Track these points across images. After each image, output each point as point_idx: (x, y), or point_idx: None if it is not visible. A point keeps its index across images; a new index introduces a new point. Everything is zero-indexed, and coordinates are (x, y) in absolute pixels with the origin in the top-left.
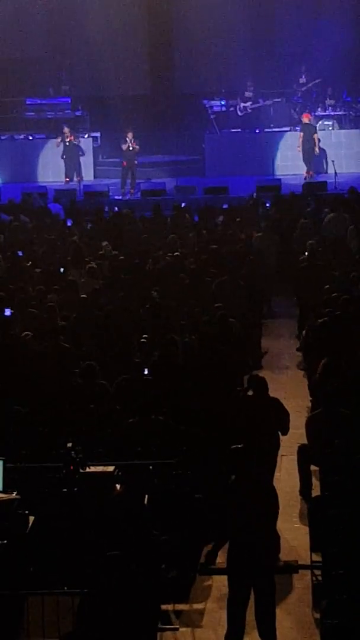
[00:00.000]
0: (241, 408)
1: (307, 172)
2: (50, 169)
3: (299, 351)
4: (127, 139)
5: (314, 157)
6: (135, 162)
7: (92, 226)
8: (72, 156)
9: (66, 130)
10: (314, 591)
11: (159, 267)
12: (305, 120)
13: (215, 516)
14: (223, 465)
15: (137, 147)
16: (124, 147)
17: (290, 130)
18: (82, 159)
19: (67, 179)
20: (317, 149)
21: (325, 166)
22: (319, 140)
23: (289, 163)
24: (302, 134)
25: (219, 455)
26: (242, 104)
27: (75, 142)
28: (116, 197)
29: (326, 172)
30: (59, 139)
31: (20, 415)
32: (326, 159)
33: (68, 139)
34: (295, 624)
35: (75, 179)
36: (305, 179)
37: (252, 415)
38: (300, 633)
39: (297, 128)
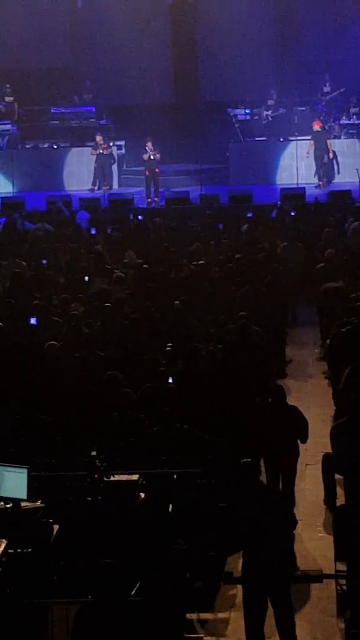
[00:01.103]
0: (260, 417)
1: (319, 181)
2: (75, 177)
3: (322, 360)
4: (147, 148)
5: (324, 165)
6: (157, 170)
7: (116, 234)
8: (103, 165)
9: (99, 138)
10: (339, 601)
11: (183, 276)
12: (315, 128)
13: (239, 525)
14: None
15: (158, 155)
16: (145, 156)
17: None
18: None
19: (93, 187)
20: (329, 156)
21: (335, 174)
22: (332, 148)
23: (313, 171)
24: (312, 142)
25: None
26: (265, 112)
27: (107, 152)
28: (141, 206)
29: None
30: (95, 150)
31: (45, 424)
32: (338, 167)
33: (102, 148)
34: (320, 633)
35: (103, 187)
36: (316, 187)
37: (270, 424)
38: None
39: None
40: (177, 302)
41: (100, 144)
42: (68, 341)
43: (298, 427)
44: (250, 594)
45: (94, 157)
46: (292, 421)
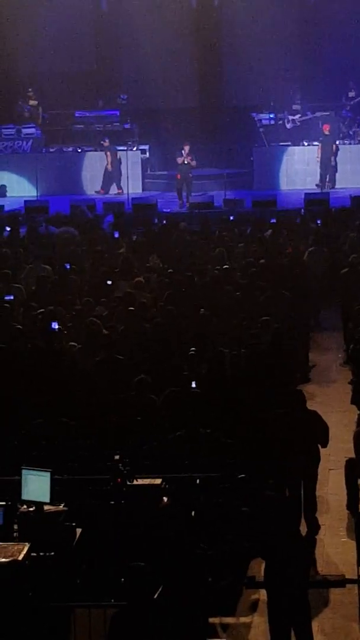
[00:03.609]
0: (280, 422)
1: (320, 182)
2: (98, 182)
3: (345, 364)
4: (183, 152)
5: (332, 168)
6: (190, 175)
7: (139, 239)
8: (112, 168)
9: (106, 142)
10: None
11: (207, 281)
12: (325, 131)
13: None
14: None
15: (194, 162)
16: (179, 160)
17: (339, 144)
18: (130, 171)
19: (102, 191)
20: (335, 159)
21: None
22: (337, 151)
23: (337, 177)
24: (320, 145)
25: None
26: (291, 117)
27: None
28: (165, 210)
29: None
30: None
31: (68, 428)
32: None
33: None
34: (341, 638)
35: (116, 190)
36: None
37: (290, 429)
38: None
39: (346, 141)
40: (202, 309)
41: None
42: (88, 345)
43: (318, 432)
44: (274, 598)
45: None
46: (312, 426)
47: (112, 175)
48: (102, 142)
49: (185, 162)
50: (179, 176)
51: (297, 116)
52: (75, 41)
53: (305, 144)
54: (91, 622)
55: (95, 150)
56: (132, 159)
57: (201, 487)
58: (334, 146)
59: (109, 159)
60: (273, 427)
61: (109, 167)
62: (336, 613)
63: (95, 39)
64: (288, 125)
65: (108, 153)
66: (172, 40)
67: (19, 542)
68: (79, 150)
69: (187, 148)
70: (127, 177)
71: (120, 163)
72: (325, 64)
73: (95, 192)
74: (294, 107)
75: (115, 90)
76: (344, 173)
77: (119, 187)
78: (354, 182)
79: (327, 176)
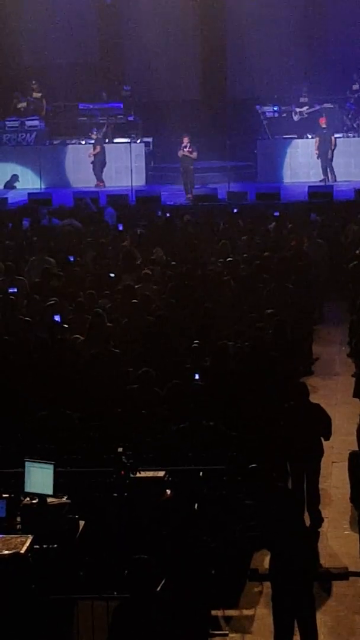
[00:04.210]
0: (282, 415)
1: (324, 175)
2: (102, 174)
3: (349, 357)
4: (182, 145)
5: (330, 161)
6: (191, 167)
7: (143, 231)
8: (97, 161)
9: (94, 135)
10: None
11: (211, 273)
12: (322, 125)
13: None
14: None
15: (194, 154)
16: (180, 153)
17: (343, 137)
18: (134, 164)
19: (101, 184)
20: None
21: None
22: (335, 145)
23: (341, 169)
24: (317, 138)
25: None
26: (298, 109)
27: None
28: (168, 203)
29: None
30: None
31: (71, 420)
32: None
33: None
34: (345, 631)
35: (99, 183)
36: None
37: (293, 422)
38: None
39: (350, 134)
40: (206, 302)
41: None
42: (91, 337)
43: (321, 425)
44: (278, 590)
45: (121, 153)
46: (315, 419)
47: (95, 168)
48: (90, 134)
49: (185, 154)
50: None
51: (304, 108)
52: (79, 33)
53: (310, 136)
54: (94, 614)
55: (98, 143)
56: (135, 152)
57: (204, 479)
58: (333, 139)
59: (95, 151)
60: (276, 419)
61: (91, 158)
62: (340, 606)
63: (99, 30)
64: (295, 118)
65: (97, 147)
66: (176, 32)
67: (22, 534)
68: (83, 142)
69: (186, 140)
70: (131, 170)
71: (104, 156)
72: (330, 56)
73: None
74: (301, 99)
75: (119, 82)
76: (349, 166)
77: (100, 180)
78: (359, 176)
79: (328, 169)
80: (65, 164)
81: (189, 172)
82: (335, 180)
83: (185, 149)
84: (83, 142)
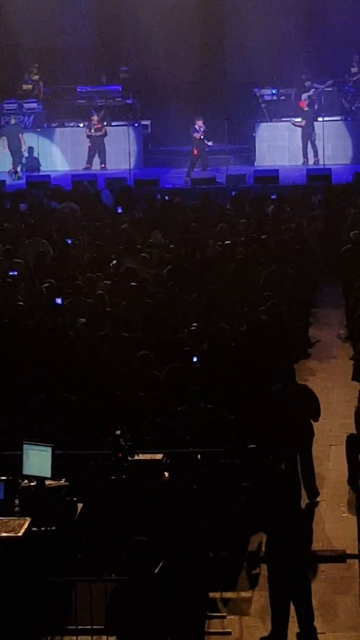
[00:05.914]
0: (271, 397)
1: (304, 158)
2: (100, 157)
3: (347, 340)
4: (197, 127)
5: (312, 143)
6: (206, 149)
7: (141, 215)
8: (97, 145)
9: (95, 119)
10: None
11: (209, 256)
12: (303, 107)
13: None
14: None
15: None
16: (196, 135)
17: (341, 120)
18: (132, 147)
19: (88, 166)
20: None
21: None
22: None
23: (339, 153)
24: (304, 121)
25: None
26: (306, 94)
27: (99, 134)
28: (166, 186)
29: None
30: (89, 130)
31: (70, 403)
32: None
33: (96, 128)
34: (343, 613)
35: (100, 166)
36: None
37: (281, 405)
38: (347, 622)
39: (349, 119)
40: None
41: (94, 125)
42: (93, 320)
43: (309, 406)
44: (275, 573)
45: (120, 136)
46: (303, 400)
47: (91, 152)
48: (92, 117)
49: (202, 137)
50: (195, 152)
51: (311, 91)
52: (78, 16)
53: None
54: (92, 596)
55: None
56: (133, 135)
57: (202, 462)
58: (314, 122)
59: (101, 133)
60: (266, 402)
61: (89, 143)
62: (337, 588)
63: (98, 13)
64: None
65: (104, 129)
66: (174, 15)
67: (20, 516)
68: (81, 125)
69: (199, 122)
70: (129, 153)
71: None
72: (328, 39)
73: (85, 167)
74: (306, 83)
75: (117, 65)
76: (347, 149)
77: (89, 163)
78: (358, 159)
79: (313, 152)
80: (63, 147)
81: (204, 155)
82: (316, 163)
83: (201, 130)
84: (81, 125)
